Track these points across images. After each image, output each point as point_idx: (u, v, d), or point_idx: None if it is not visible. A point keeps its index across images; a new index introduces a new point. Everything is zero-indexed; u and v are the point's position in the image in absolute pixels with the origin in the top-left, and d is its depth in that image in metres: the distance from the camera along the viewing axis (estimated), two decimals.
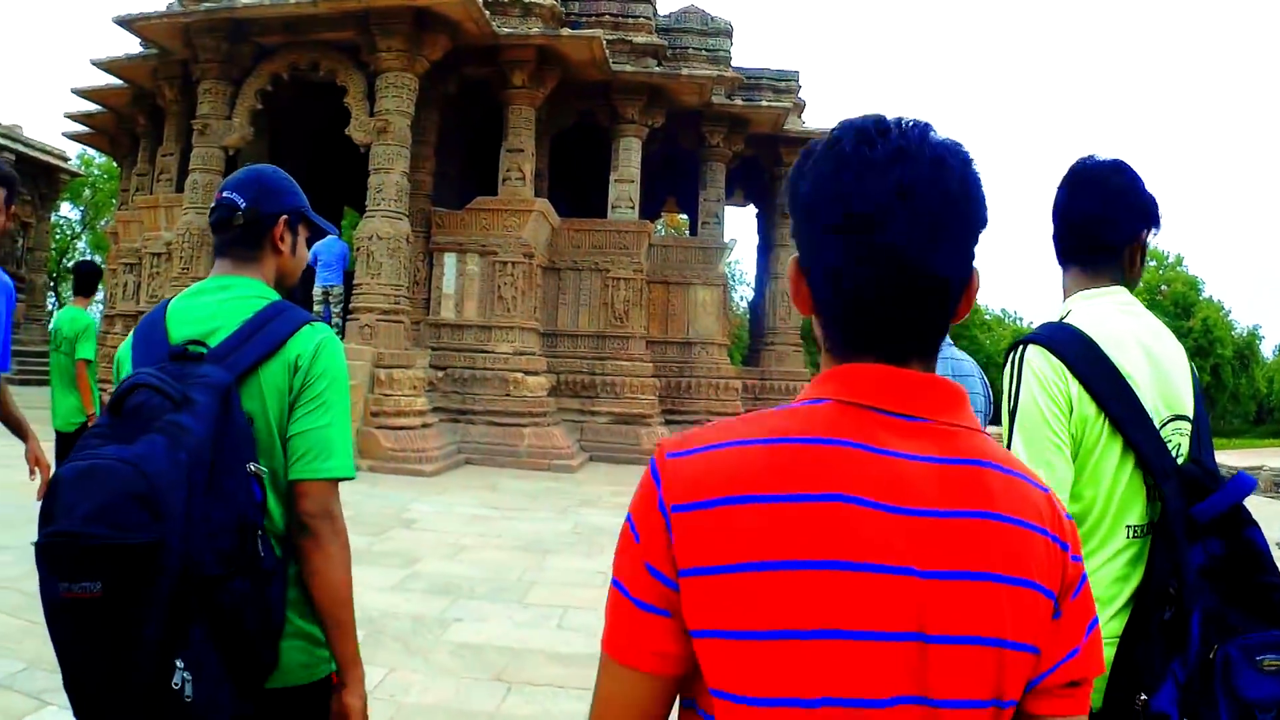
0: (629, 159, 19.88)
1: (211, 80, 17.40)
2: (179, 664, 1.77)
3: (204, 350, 2.08)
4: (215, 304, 2.22)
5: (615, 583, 1.19)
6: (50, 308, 40.81)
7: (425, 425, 15.73)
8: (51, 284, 47.78)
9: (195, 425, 1.87)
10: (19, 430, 3.78)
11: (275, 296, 2.31)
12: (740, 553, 1.09)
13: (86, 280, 8.61)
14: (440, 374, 17.54)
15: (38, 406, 20.24)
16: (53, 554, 1.74)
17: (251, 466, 2.01)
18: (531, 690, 5.32)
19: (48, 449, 4.30)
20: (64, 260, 55.71)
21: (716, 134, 21.65)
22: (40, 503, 1.88)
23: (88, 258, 56.08)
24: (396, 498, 12.04)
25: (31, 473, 3.86)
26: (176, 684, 1.76)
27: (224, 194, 2.28)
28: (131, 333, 2.27)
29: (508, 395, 17.31)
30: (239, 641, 1.92)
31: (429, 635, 6.31)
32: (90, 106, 24.63)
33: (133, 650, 1.73)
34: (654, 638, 1.15)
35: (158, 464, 1.78)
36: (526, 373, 17.61)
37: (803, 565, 1.08)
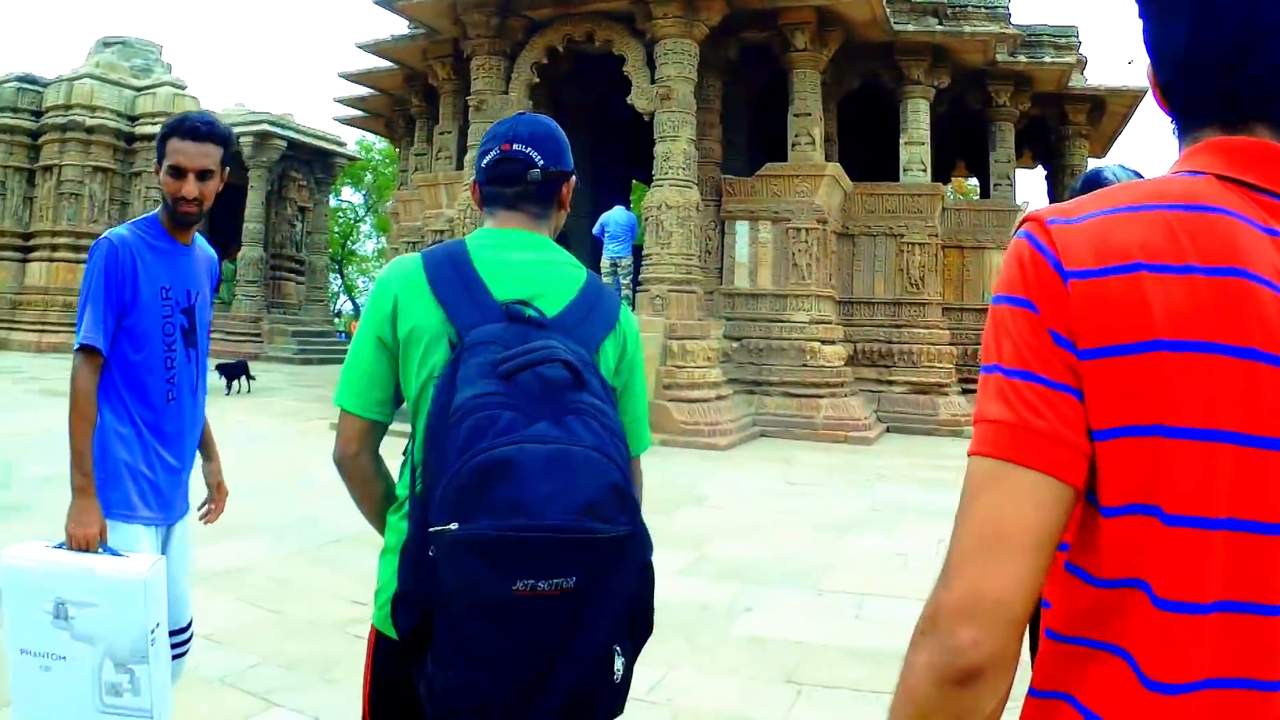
0: (917, 120, 19.08)
1: (484, 56, 17.58)
2: (616, 648, 1.76)
3: (537, 315, 1.94)
4: (533, 264, 2.09)
5: (1000, 369, 1.02)
6: (335, 289, 42.64)
7: (719, 397, 15.47)
8: (336, 266, 50.21)
9: (606, 408, 1.83)
10: (205, 447, 3.59)
11: (577, 261, 2.21)
12: (1154, 329, 0.95)
13: None
14: (735, 344, 17.26)
15: (316, 384, 22.20)
16: (522, 549, 1.62)
17: None
18: (824, 694, 4.81)
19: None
20: (347, 243, 58.30)
21: (1002, 93, 20.61)
22: (440, 491, 1.69)
23: (371, 240, 58.79)
24: (688, 473, 11.75)
25: (212, 501, 3.60)
26: (618, 669, 1.76)
27: (515, 147, 2.15)
28: (419, 268, 2.04)
29: (804, 365, 16.84)
30: (644, 613, 1.93)
31: (715, 628, 5.91)
32: (360, 90, 25.28)
33: (592, 642, 1.70)
34: (1068, 423, 0.98)
35: (612, 451, 1.76)
36: (823, 342, 17.13)
37: (1219, 350, 0.93)
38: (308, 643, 5.32)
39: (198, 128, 3.16)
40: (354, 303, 61.01)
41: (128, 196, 31.56)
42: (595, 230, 17.20)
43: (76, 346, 3.04)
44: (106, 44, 34.23)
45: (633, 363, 2.16)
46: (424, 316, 1.97)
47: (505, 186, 2.16)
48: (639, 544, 1.79)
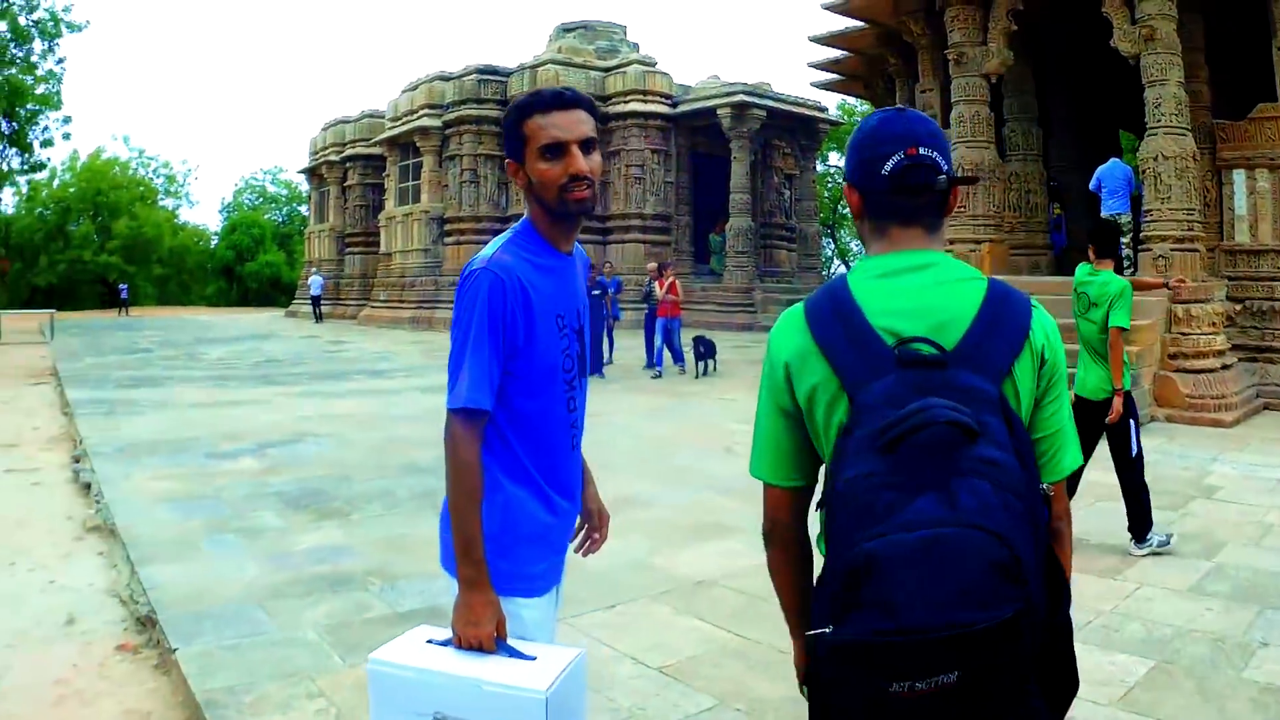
0: None
1: (958, 6, 16.71)
2: None
3: (937, 352, 1.75)
4: (926, 288, 1.86)
5: None
6: (827, 256, 42.33)
7: (1224, 367, 13.79)
8: (827, 231, 49.67)
9: (1004, 458, 1.64)
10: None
11: (978, 272, 1.94)
12: None
13: (1108, 240, 7.57)
14: (1236, 307, 15.10)
15: None
16: (892, 654, 1.51)
17: (1044, 486, 1.86)
18: None
19: None
20: (838, 207, 57.95)
21: None
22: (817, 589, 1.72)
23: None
24: (1194, 456, 10.57)
25: (595, 530, 3.06)
26: None
27: (921, 150, 1.88)
28: (802, 322, 1.91)
29: None
30: (1062, 672, 1.85)
31: (1227, 671, 4.63)
32: (832, 53, 24.53)
33: None
34: None
35: (999, 518, 1.57)
36: None
37: None
38: (776, 682, 4.46)
39: (561, 94, 2.55)
40: (847, 268, 60.38)
41: (607, 176, 32.63)
42: (1091, 185, 16.12)
43: (453, 409, 2.43)
44: (567, 29, 35.74)
45: (1054, 370, 1.90)
46: (817, 375, 1.85)
47: (912, 197, 1.91)
48: (1034, 616, 1.57)
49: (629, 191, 32.59)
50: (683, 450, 10.90)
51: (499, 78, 33.95)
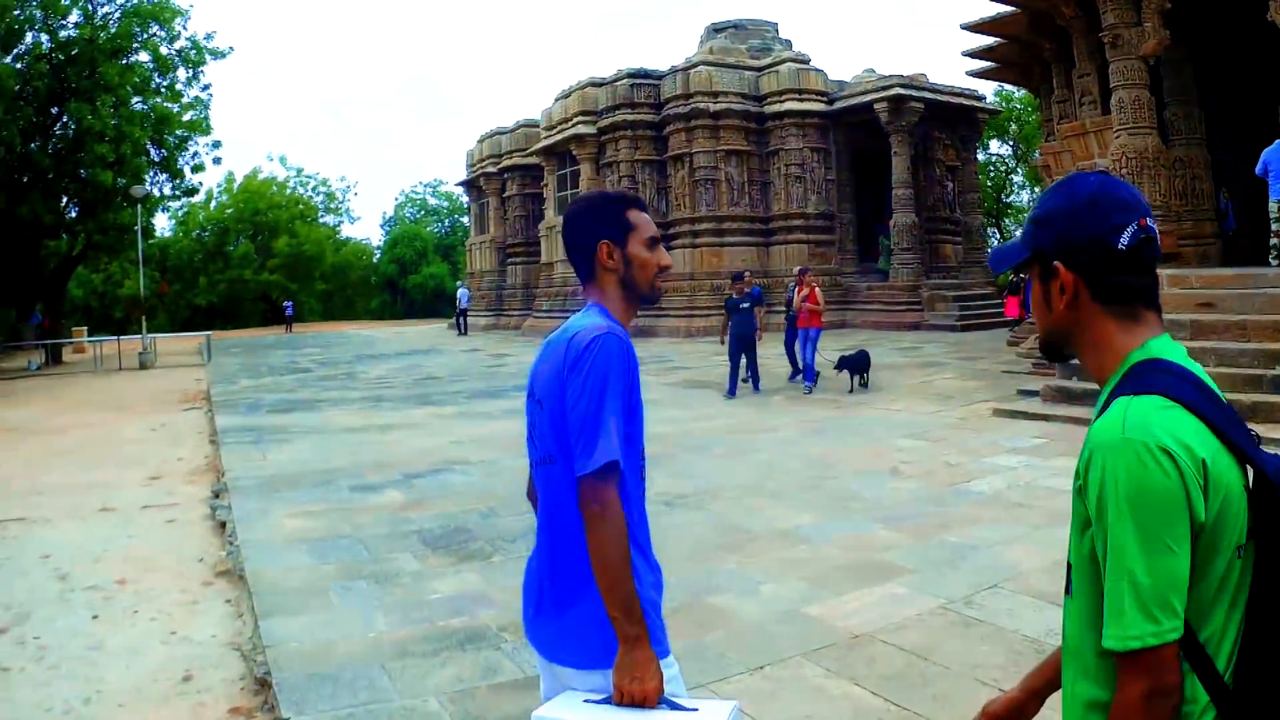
0: None
1: None
2: None
3: None
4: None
5: None
6: (992, 245, 41.02)
7: None
8: (991, 220, 48.18)
9: None
10: None
11: None
12: None
13: None
14: None
15: (978, 355, 20.93)
16: None
17: None
18: None
19: None
20: (1001, 196, 56.42)
21: None
22: None
23: (1025, 190, 56.57)
24: None
25: None
26: None
27: (1149, 222, 1.69)
28: (1185, 413, 1.59)
29: None
30: None
31: None
32: (985, 40, 23.68)
33: None
34: None
35: None
36: None
37: None
38: None
39: (641, 199, 2.96)
40: None
41: (767, 176, 32.25)
42: (1257, 169, 14.77)
43: (599, 465, 2.39)
44: (717, 29, 35.42)
45: None
46: (1229, 474, 1.56)
47: (1145, 276, 1.72)
48: None
49: (789, 191, 32.05)
50: (846, 472, 10.31)
51: (652, 81, 33.84)
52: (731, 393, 16.66)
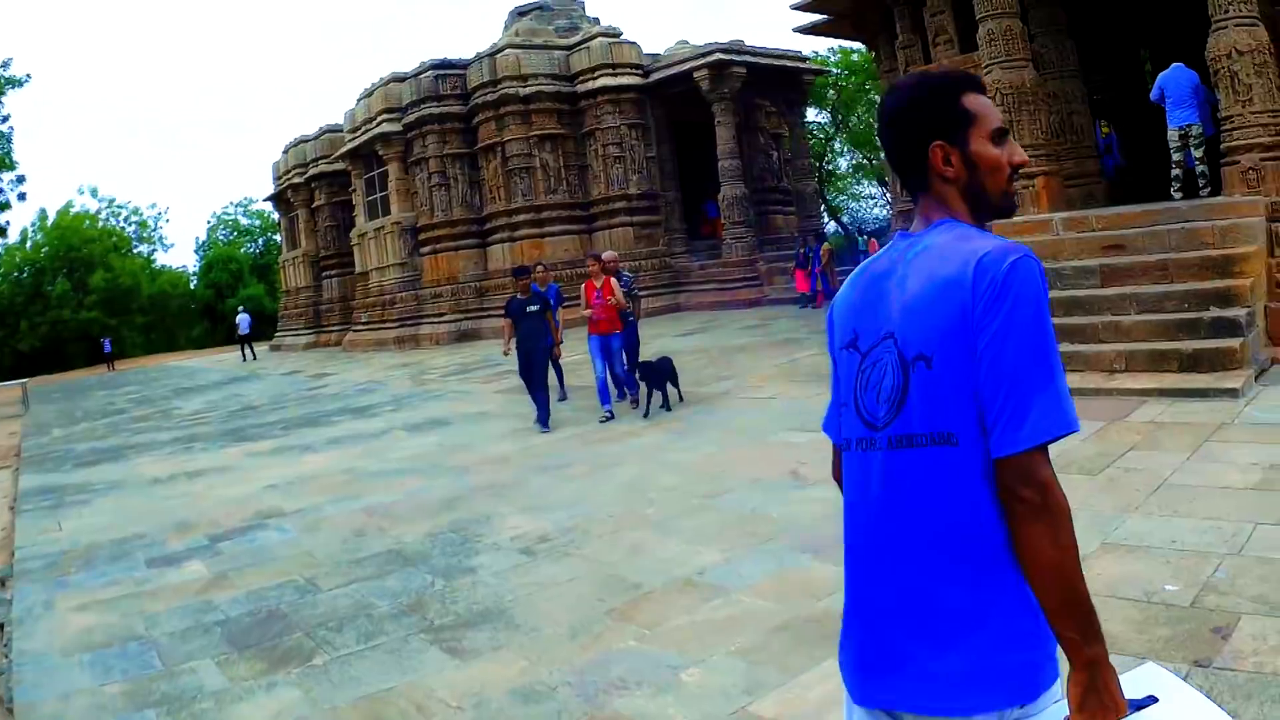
0: None
1: None
2: None
3: None
4: None
5: None
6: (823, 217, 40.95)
7: None
8: (818, 191, 47.85)
9: None
10: None
11: None
12: None
13: None
14: None
15: None
16: None
17: None
18: None
19: None
20: (822, 164, 56.52)
21: None
22: None
23: (844, 157, 56.70)
24: None
25: None
26: None
27: None
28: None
29: None
30: None
31: None
32: None
33: None
34: None
35: None
36: None
37: None
38: None
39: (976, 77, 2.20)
40: (841, 225, 58.65)
41: (585, 159, 30.87)
42: (1153, 95, 14.08)
43: (1045, 438, 1.76)
44: (522, 12, 34.18)
45: None
46: None
47: None
48: None
49: (610, 173, 30.62)
50: (737, 483, 8.49)
51: (457, 71, 32.13)
52: (542, 423, 12.67)
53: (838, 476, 2.25)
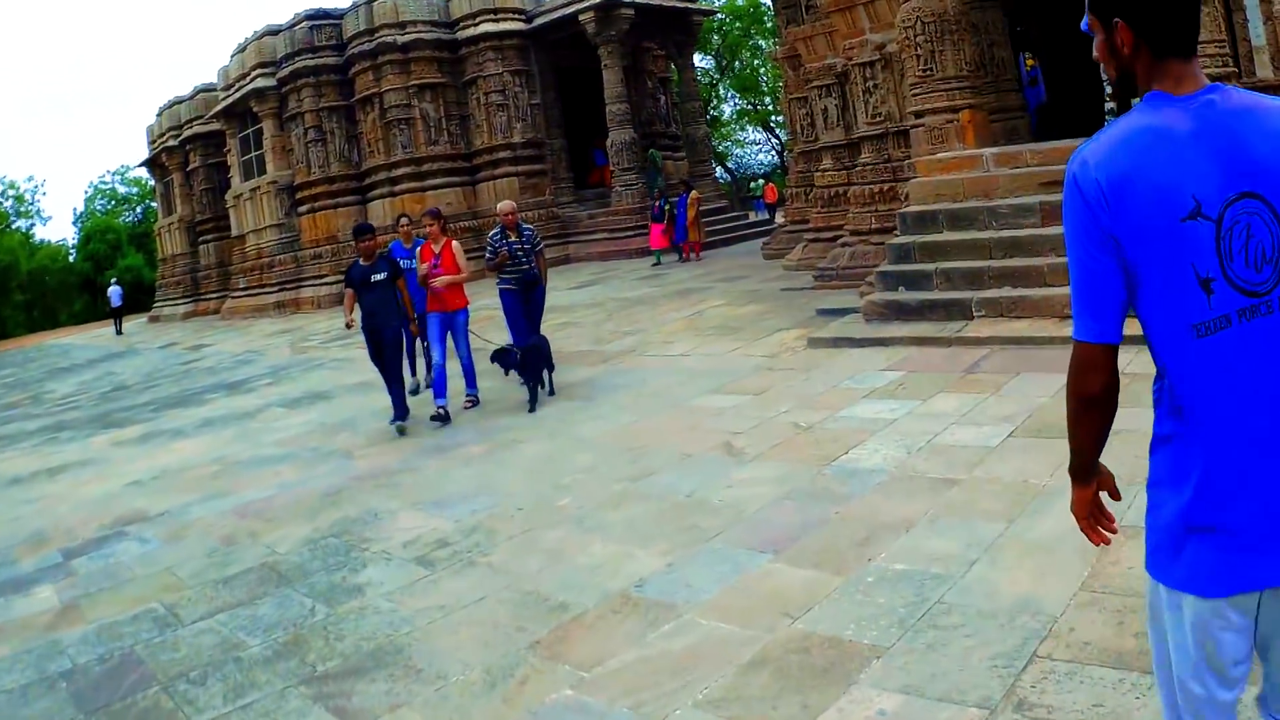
0: None
1: None
2: None
3: None
4: None
5: None
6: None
7: None
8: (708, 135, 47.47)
9: None
10: None
11: None
12: None
13: None
14: None
15: (740, 274, 18.53)
16: None
17: None
18: None
19: None
20: (707, 110, 56.01)
21: None
22: None
23: (730, 103, 56.14)
24: None
25: None
26: None
27: None
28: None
29: None
30: None
31: None
32: None
33: None
34: None
35: None
36: None
37: None
38: None
39: None
40: (729, 173, 57.96)
41: (467, 109, 29.83)
42: (1084, 24, 12.86)
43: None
44: None
45: None
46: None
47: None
48: None
49: (493, 122, 29.53)
50: (663, 462, 7.53)
51: (333, 21, 30.88)
52: (399, 416, 10.46)
53: (1098, 387, 2.03)
